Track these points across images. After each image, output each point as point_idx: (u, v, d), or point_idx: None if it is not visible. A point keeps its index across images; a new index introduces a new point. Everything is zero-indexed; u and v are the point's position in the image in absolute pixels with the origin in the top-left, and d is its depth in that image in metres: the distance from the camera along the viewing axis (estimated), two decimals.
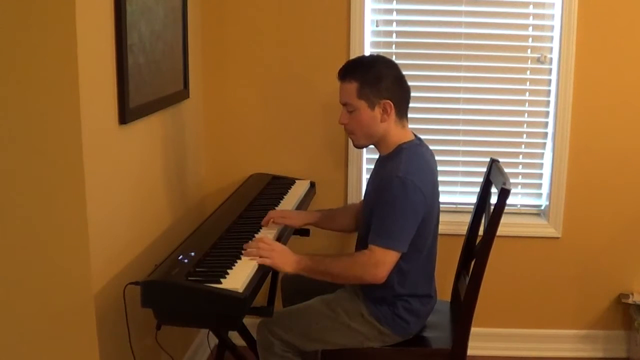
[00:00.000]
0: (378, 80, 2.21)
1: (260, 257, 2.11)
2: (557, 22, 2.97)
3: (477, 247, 2.44)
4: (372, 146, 2.35)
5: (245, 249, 2.14)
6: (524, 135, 3.12)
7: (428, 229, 2.26)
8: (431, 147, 2.38)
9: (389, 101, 2.21)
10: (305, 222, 2.54)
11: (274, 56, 3.07)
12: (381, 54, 2.38)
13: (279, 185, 2.94)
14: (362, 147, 2.45)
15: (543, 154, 3.13)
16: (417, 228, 2.17)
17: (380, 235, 2.13)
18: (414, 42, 3.07)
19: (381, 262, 2.12)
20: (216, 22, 3.04)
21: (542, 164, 3.14)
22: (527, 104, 3.09)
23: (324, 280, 2.22)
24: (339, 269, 2.17)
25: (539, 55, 3.03)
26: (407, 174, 2.14)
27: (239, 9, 3.04)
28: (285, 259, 2.15)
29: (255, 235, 2.33)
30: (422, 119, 3.04)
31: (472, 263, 2.34)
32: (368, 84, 2.21)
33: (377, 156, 2.41)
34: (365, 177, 3.13)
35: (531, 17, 3.02)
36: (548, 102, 3.07)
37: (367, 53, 3.02)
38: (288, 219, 2.48)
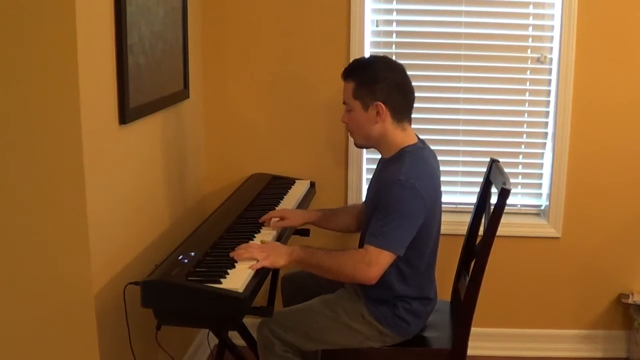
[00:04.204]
0: (373, 82, 2.21)
1: (254, 258, 2.09)
2: (557, 22, 2.98)
3: (477, 247, 2.44)
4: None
5: (235, 257, 2.09)
6: (524, 135, 3.12)
7: (430, 233, 2.26)
8: (431, 147, 2.38)
9: (381, 103, 2.21)
10: (304, 221, 2.53)
11: (274, 56, 3.07)
12: (387, 56, 2.37)
13: (279, 185, 2.94)
14: (361, 147, 2.45)
15: (543, 154, 3.13)
16: (417, 232, 2.16)
17: (376, 235, 2.13)
18: (414, 42, 3.07)
19: (374, 261, 2.11)
20: (216, 22, 3.05)
21: (542, 164, 3.14)
22: (527, 104, 3.10)
23: (322, 278, 2.21)
24: (331, 264, 2.15)
25: (539, 55, 3.03)
26: (408, 178, 2.13)
27: (238, 9, 3.04)
28: (278, 252, 2.14)
29: (256, 235, 2.33)
30: (422, 119, 3.04)
31: (472, 263, 2.34)
32: (363, 85, 2.22)
33: (378, 156, 2.41)
34: (366, 177, 3.13)
35: (531, 17, 3.02)
36: (548, 102, 3.07)
37: (367, 53, 3.03)
38: (287, 220, 2.46)
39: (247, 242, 2.24)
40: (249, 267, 2.04)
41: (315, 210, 2.62)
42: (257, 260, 2.08)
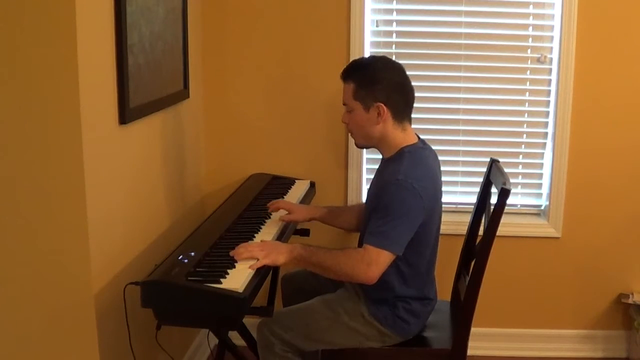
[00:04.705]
0: (373, 83, 2.21)
1: (254, 257, 2.09)
2: (557, 22, 2.98)
3: (477, 247, 2.44)
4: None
5: (235, 256, 2.08)
6: (524, 135, 3.12)
7: (429, 233, 2.26)
8: (432, 147, 2.38)
9: (382, 104, 2.21)
10: (310, 216, 2.54)
11: (274, 56, 3.07)
12: (386, 56, 2.37)
13: (279, 185, 2.94)
14: (362, 147, 2.45)
15: (543, 154, 3.13)
16: (417, 232, 2.17)
17: (376, 235, 2.13)
18: (414, 42, 3.07)
19: (374, 261, 2.11)
20: (216, 22, 3.05)
21: (542, 164, 3.14)
22: (527, 104, 3.09)
23: (322, 277, 2.22)
24: (331, 263, 2.15)
25: (539, 55, 3.03)
26: (407, 177, 2.13)
27: (239, 9, 3.04)
28: (278, 250, 2.14)
29: (256, 235, 2.33)
30: (422, 119, 3.04)
31: (472, 263, 2.34)
32: (363, 86, 2.22)
33: (378, 156, 2.41)
34: (366, 177, 3.13)
35: (531, 17, 3.02)
36: (548, 102, 3.07)
37: (367, 53, 3.03)
38: (293, 215, 2.48)
39: (248, 242, 2.24)
40: (249, 267, 2.04)
41: (321, 206, 2.62)
42: (257, 260, 2.08)
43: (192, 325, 2.64)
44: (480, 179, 2.60)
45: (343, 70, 2.29)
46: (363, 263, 2.12)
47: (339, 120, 2.35)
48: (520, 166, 3.16)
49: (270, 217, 2.50)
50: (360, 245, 2.35)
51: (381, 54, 2.91)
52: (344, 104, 2.29)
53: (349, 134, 2.38)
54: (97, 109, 1.97)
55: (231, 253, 2.10)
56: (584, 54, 2.96)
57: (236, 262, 2.07)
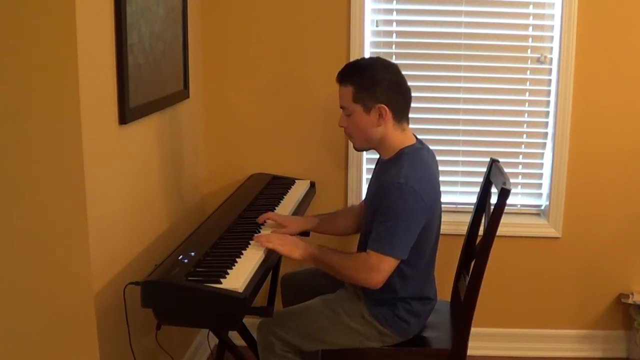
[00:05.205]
0: (373, 85, 2.20)
1: (270, 242, 2.19)
2: (557, 22, 2.98)
3: (477, 247, 2.44)
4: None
5: (254, 239, 2.23)
6: (524, 135, 3.12)
7: (430, 234, 2.26)
8: (431, 147, 2.37)
9: (384, 106, 2.20)
10: (302, 228, 2.51)
11: (274, 56, 3.07)
12: (381, 56, 2.36)
13: (279, 185, 2.94)
14: (361, 150, 2.44)
15: (543, 154, 3.13)
16: (418, 234, 2.17)
17: (379, 241, 2.13)
18: (414, 42, 3.07)
19: (377, 267, 2.12)
20: (216, 22, 3.05)
21: (542, 164, 3.14)
22: (527, 104, 3.10)
23: (322, 278, 2.24)
24: (338, 264, 2.20)
25: (539, 55, 3.03)
26: (408, 180, 2.13)
27: (239, 9, 3.04)
28: (295, 245, 2.22)
29: (256, 235, 2.33)
30: (422, 119, 3.04)
31: (472, 263, 2.34)
32: (363, 88, 2.20)
33: (377, 156, 2.41)
34: (365, 177, 3.13)
35: (531, 17, 3.02)
36: (548, 102, 3.07)
37: (367, 53, 3.02)
38: (286, 229, 2.44)
39: (248, 242, 2.24)
40: (263, 244, 2.18)
41: (313, 216, 2.60)
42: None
43: (192, 325, 2.64)
44: (480, 179, 2.60)
45: (339, 73, 2.26)
46: (367, 269, 2.13)
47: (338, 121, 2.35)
48: (520, 166, 3.16)
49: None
50: (361, 246, 2.36)
51: (381, 54, 2.92)
52: (341, 107, 2.27)
53: (348, 138, 2.36)
54: (97, 109, 1.97)
55: (255, 237, 2.24)
56: (584, 54, 2.96)
57: (240, 256, 2.11)
